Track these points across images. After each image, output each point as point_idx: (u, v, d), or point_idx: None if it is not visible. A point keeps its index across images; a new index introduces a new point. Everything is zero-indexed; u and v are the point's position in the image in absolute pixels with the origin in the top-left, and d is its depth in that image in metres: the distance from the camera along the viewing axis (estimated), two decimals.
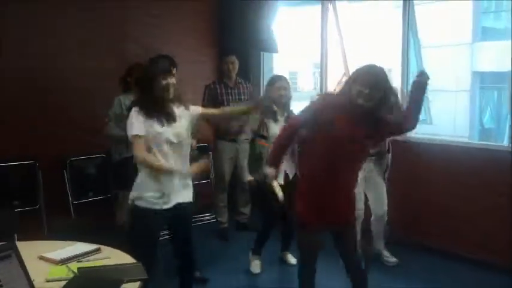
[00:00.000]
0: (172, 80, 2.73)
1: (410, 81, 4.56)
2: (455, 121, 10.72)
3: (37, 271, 2.06)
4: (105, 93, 4.19)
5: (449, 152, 4.28)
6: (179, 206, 2.80)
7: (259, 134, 3.86)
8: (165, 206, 2.76)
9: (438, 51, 10.19)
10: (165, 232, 2.99)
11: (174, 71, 2.84)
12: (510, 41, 3.94)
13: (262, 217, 4.13)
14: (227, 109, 3.64)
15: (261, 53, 5.70)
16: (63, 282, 2.05)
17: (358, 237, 3.68)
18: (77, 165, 4.64)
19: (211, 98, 4.74)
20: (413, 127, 2.82)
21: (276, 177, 3.10)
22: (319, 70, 5.42)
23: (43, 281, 2.09)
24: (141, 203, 2.76)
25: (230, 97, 4.80)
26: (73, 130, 4.54)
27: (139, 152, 2.67)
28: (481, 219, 4.05)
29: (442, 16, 10.29)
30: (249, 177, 3.91)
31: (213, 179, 5.19)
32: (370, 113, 2.57)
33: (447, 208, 4.24)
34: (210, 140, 5.06)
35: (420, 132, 4.78)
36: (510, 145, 3.97)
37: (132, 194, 2.80)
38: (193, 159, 2.93)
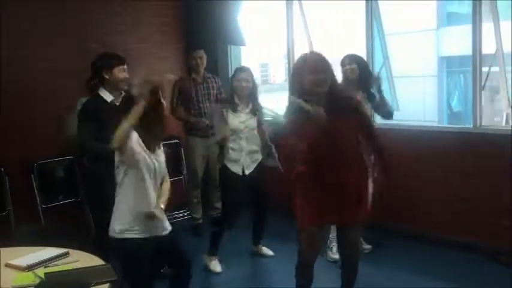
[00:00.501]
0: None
1: (376, 69, 4.62)
2: (424, 106, 10.89)
3: (3, 279, 2.01)
4: (68, 94, 4.11)
5: (417, 136, 4.34)
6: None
7: None
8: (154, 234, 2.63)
9: (404, 37, 10.30)
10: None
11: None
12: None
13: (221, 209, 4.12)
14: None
15: (228, 46, 5.67)
16: None
17: None
18: (45, 169, 4.54)
19: (180, 95, 4.71)
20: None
21: None
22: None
23: None
24: (130, 234, 2.56)
25: (199, 92, 4.78)
26: (38, 133, 4.44)
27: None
28: (454, 201, 4.13)
29: (407, 3, 10.41)
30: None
31: (185, 175, 5.16)
32: (334, 96, 2.57)
33: (418, 192, 4.31)
34: (181, 135, 5.02)
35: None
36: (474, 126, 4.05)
37: (117, 227, 2.57)
38: None
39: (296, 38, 5.27)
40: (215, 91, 4.85)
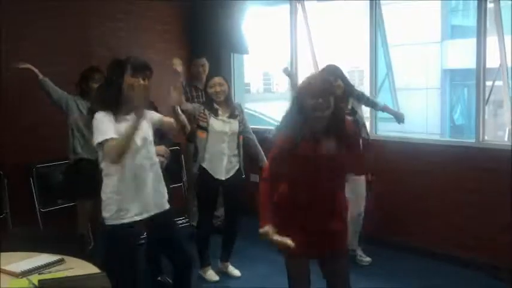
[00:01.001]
0: (146, 82, 2.61)
1: (379, 80, 4.62)
2: (427, 119, 10.88)
3: None
4: None
5: (418, 149, 4.32)
6: (157, 216, 2.69)
7: (200, 125, 3.80)
8: (145, 215, 2.63)
9: (408, 49, 10.32)
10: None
11: (149, 74, 2.68)
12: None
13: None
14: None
15: (232, 54, 5.67)
16: None
17: None
18: (44, 173, 4.53)
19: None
20: None
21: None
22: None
23: None
24: (119, 220, 2.56)
25: (201, 99, 4.75)
26: (38, 137, 4.43)
27: (112, 153, 2.48)
28: (454, 216, 4.09)
29: (411, 15, 10.43)
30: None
31: (185, 182, 5.13)
32: (331, 121, 2.50)
33: (420, 206, 4.27)
34: (181, 141, 5.00)
35: (391, 131, 4.82)
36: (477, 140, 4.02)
37: (107, 213, 2.58)
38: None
39: (299, 48, 5.26)
40: None
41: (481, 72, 3.96)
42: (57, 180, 4.59)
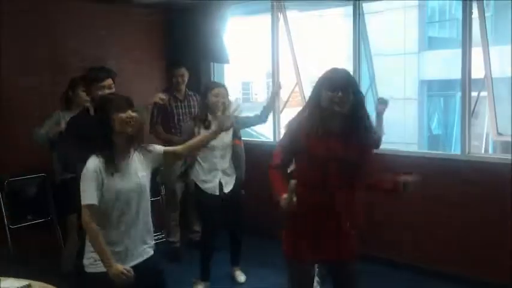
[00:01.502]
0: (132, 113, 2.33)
1: (363, 89, 4.53)
2: (404, 128, 10.92)
3: None
4: (44, 110, 3.92)
5: (401, 162, 4.22)
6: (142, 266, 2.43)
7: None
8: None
9: (386, 59, 10.37)
10: None
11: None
12: (455, 50, 3.96)
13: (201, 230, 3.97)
14: (192, 142, 2.79)
15: (212, 64, 5.53)
16: None
17: None
18: (14, 186, 4.29)
19: (161, 113, 4.56)
20: None
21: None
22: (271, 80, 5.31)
23: None
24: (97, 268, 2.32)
25: (180, 110, 4.64)
26: (11, 149, 4.21)
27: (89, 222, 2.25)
28: (439, 230, 4.01)
29: (389, 26, 10.49)
30: None
31: (163, 196, 4.95)
32: (349, 119, 2.33)
33: (404, 220, 4.17)
34: None
35: None
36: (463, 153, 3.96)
37: (85, 260, 2.36)
38: None
39: (281, 57, 5.17)
40: (196, 109, 4.68)
41: (466, 83, 3.91)
42: (29, 194, 4.37)
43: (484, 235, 3.75)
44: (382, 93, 7.51)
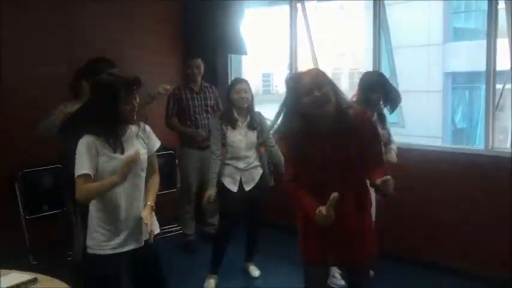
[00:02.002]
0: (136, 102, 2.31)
1: None
2: (428, 121, 10.70)
3: None
4: (56, 100, 3.88)
5: (424, 156, 4.10)
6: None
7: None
8: (125, 249, 2.38)
9: (409, 51, 10.14)
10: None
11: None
12: (480, 41, 3.81)
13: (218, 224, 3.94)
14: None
15: (229, 55, 5.46)
16: None
17: None
18: (30, 178, 4.30)
19: (176, 105, 4.52)
20: None
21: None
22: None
23: None
24: (101, 250, 2.35)
25: (196, 102, 4.58)
26: (25, 140, 4.21)
27: (80, 191, 2.25)
28: (463, 227, 3.88)
29: (413, 17, 10.26)
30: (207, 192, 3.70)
31: (179, 188, 4.92)
32: (337, 116, 2.28)
33: (427, 217, 4.05)
34: (176, 147, 4.79)
35: (394, 135, 4.61)
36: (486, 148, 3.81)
37: (89, 242, 2.39)
38: None
39: (299, 48, 5.07)
40: (212, 101, 4.64)
41: (490, 75, 3.76)
42: (45, 185, 4.37)
43: (509, 232, 3.60)
44: (404, 85, 7.35)
